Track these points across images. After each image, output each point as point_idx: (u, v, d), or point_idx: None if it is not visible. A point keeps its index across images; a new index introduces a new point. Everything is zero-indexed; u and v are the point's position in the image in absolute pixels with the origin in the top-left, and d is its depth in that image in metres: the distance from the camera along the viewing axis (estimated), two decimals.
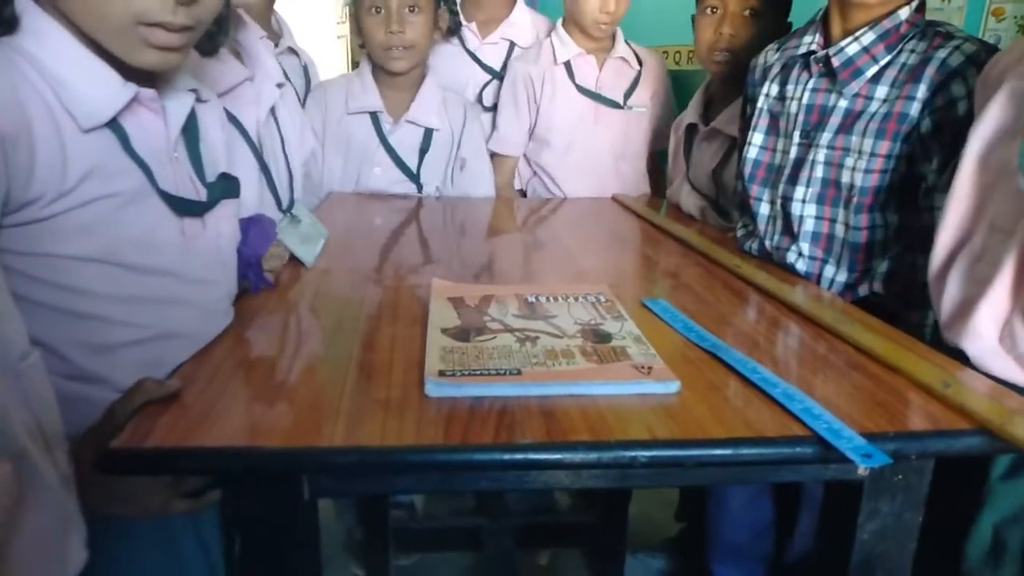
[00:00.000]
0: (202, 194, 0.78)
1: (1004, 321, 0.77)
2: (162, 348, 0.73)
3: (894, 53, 1.02)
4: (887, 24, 1.01)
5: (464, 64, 1.78)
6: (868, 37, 1.02)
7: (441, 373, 0.70)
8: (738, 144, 1.31)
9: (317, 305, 0.97)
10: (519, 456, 0.59)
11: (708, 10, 1.41)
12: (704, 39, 1.43)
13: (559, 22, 1.70)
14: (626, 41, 1.72)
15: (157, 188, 0.71)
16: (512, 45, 1.79)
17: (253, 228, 0.92)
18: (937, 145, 0.98)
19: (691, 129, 1.54)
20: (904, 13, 1.01)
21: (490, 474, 0.63)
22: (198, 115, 0.80)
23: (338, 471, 0.62)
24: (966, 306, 0.80)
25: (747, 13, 1.37)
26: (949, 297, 0.83)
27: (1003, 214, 0.79)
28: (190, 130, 0.78)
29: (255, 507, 0.64)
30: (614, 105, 1.69)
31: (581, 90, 1.68)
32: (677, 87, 1.85)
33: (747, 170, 1.20)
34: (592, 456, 0.59)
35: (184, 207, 0.74)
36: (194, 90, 0.79)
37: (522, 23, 1.79)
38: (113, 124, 0.67)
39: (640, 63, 1.72)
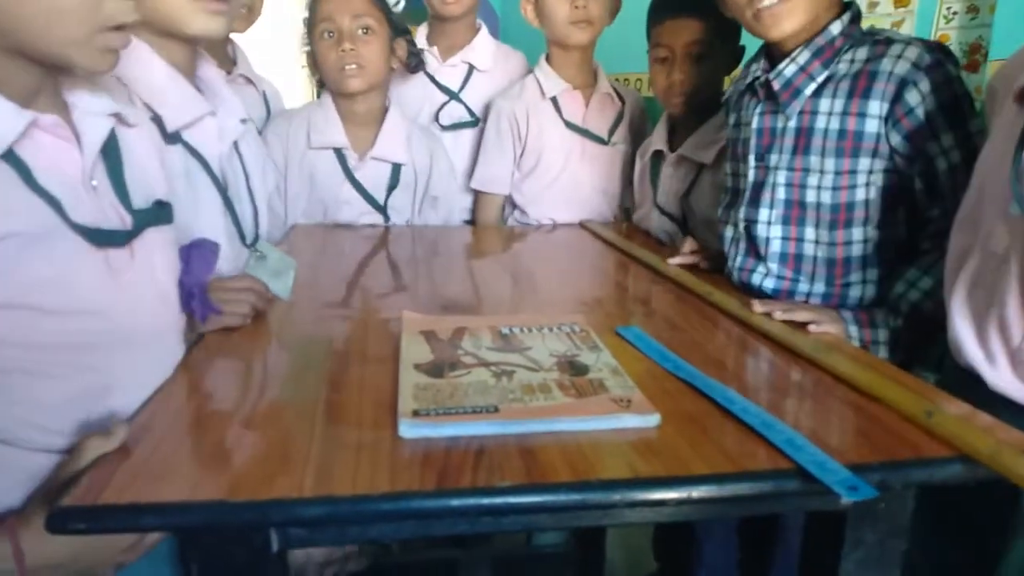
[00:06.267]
0: (128, 222, 0.73)
1: (1016, 349, 0.76)
2: (99, 395, 0.68)
3: (830, 67, 1.03)
4: (820, 41, 1.03)
5: (421, 86, 1.78)
6: (804, 56, 1.03)
7: (415, 413, 0.67)
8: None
9: (282, 343, 0.93)
10: (499, 500, 0.57)
11: (658, 56, 1.44)
12: (659, 85, 1.46)
13: (542, 58, 1.71)
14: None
15: (69, 221, 0.65)
16: (471, 68, 1.80)
17: (195, 254, 0.87)
18: (912, 152, 0.99)
19: (657, 155, 1.55)
20: (836, 27, 1.03)
21: (468, 519, 0.61)
22: (122, 139, 0.76)
23: (308, 522, 0.59)
24: (978, 333, 0.80)
25: (695, 55, 1.40)
26: (955, 322, 0.82)
27: (996, 238, 0.78)
28: (111, 155, 0.73)
29: (220, 562, 0.61)
30: (600, 141, 1.71)
31: (569, 125, 1.69)
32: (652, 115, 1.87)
33: (722, 199, 1.22)
34: (575, 498, 0.57)
35: (103, 238, 0.69)
36: (116, 113, 0.74)
37: (483, 48, 1.81)
38: (10, 156, 0.62)
39: (622, 100, 1.74)
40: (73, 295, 0.66)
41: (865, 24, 2.32)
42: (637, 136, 1.74)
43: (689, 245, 1.31)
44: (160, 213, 0.78)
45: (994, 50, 2.07)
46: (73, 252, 0.66)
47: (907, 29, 2.58)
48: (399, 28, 1.57)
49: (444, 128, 1.79)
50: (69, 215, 0.65)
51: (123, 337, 0.71)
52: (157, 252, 0.78)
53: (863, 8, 2.35)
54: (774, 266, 1.10)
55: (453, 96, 1.79)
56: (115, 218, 0.72)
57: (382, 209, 1.60)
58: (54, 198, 0.64)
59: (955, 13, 2.29)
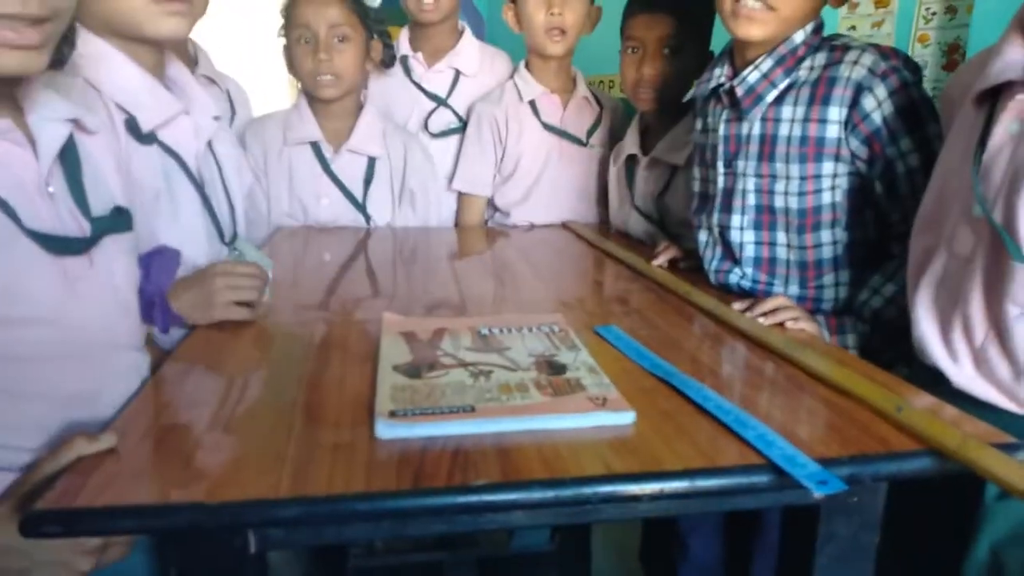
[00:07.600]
0: (86, 230, 0.71)
1: (979, 348, 0.77)
2: (56, 408, 0.67)
3: (792, 74, 1.04)
4: (783, 49, 1.04)
5: (408, 93, 1.78)
6: (767, 64, 1.05)
7: (392, 413, 0.68)
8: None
9: (261, 345, 0.93)
10: (474, 499, 0.58)
11: (629, 49, 1.45)
12: (628, 77, 1.47)
13: (521, 64, 1.72)
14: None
15: (24, 227, 0.64)
16: (458, 73, 1.79)
17: (155, 262, 0.85)
18: (870, 156, 1.01)
19: (631, 159, 1.56)
20: (799, 36, 1.04)
21: (444, 517, 0.61)
22: (81, 145, 0.74)
23: (285, 523, 0.59)
24: (942, 333, 0.81)
25: (666, 51, 1.41)
26: (920, 323, 0.83)
27: (960, 240, 0.79)
28: (69, 161, 0.72)
29: (199, 564, 0.61)
30: (578, 143, 1.72)
31: (547, 127, 1.70)
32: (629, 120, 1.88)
33: (692, 202, 1.24)
34: (548, 495, 0.58)
35: (60, 246, 0.67)
36: (74, 119, 0.73)
37: (468, 52, 1.80)
38: None
39: (600, 104, 1.76)
40: (26, 304, 0.64)
41: (846, 24, 2.34)
42: (615, 140, 1.75)
43: (664, 246, 1.32)
44: (119, 220, 0.77)
45: (972, 49, 2.09)
46: (28, 259, 0.65)
47: (887, 29, 2.61)
48: (374, 29, 1.58)
49: (434, 136, 1.78)
50: (24, 222, 0.64)
51: (78, 348, 0.70)
52: (116, 260, 0.76)
53: (843, 8, 2.37)
54: (749, 270, 1.13)
55: (441, 102, 1.79)
56: (73, 225, 0.71)
57: (362, 208, 1.60)
58: (7, 204, 0.63)
59: (934, 13, 2.31)
